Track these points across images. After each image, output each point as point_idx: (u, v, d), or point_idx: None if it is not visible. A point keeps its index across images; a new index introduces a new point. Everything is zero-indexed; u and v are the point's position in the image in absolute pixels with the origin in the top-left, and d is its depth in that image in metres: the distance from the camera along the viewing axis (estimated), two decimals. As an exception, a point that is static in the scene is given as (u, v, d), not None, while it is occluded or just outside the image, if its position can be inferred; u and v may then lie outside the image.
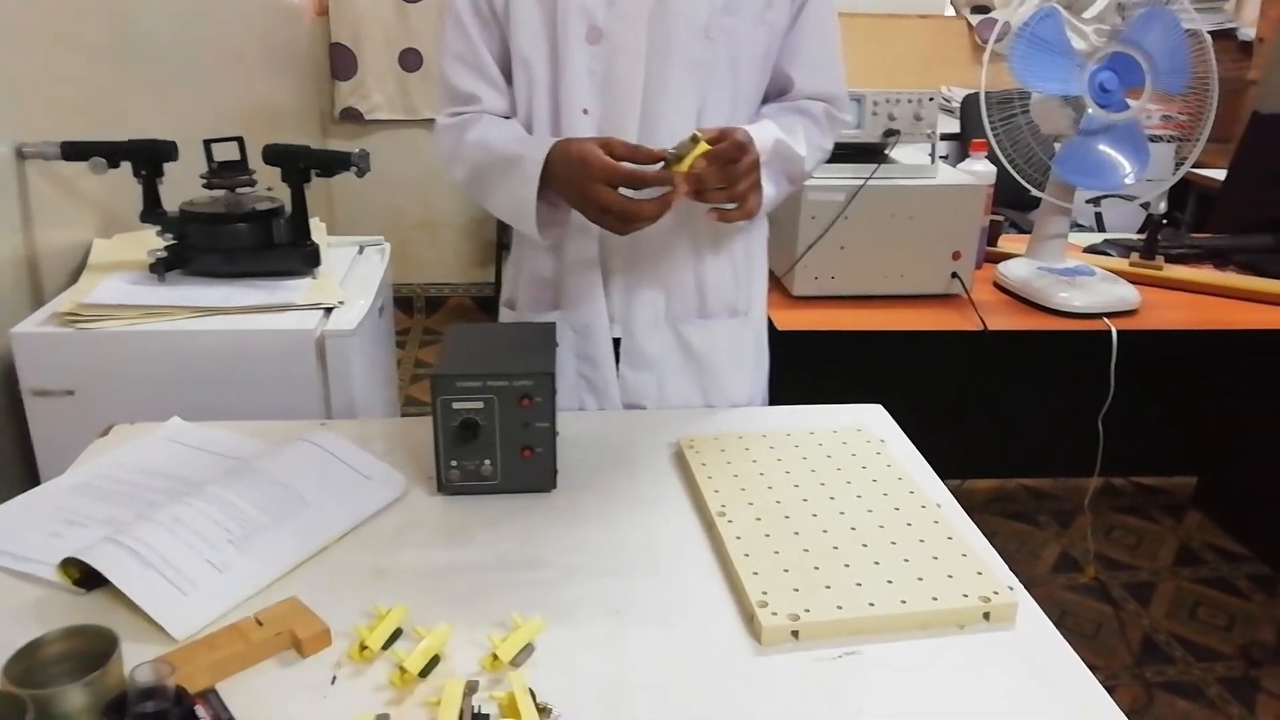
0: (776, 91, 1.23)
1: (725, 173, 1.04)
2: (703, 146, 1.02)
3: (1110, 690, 0.79)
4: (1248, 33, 3.45)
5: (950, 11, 3.83)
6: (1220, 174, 2.24)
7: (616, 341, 1.24)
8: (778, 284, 1.78)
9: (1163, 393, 1.82)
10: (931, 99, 1.68)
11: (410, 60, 3.42)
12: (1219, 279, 1.94)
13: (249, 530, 0.91)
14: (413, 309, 3.82)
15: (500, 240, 3.62)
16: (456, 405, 1.00)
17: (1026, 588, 0.92)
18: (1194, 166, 1.74)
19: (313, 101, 3.30)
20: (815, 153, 1.23)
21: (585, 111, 1.13)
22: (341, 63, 3.36)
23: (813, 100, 1.23)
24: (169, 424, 1.15)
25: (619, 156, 1.03)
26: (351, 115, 3.41)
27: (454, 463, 1.02)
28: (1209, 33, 1.72)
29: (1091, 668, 0.83)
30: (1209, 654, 2.12)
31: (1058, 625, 0.89)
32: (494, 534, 0.97)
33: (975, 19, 3.76)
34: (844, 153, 1.69)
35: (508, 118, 1.19)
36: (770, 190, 1.16)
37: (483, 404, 1.00)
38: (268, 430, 1.15)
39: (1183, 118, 1.79)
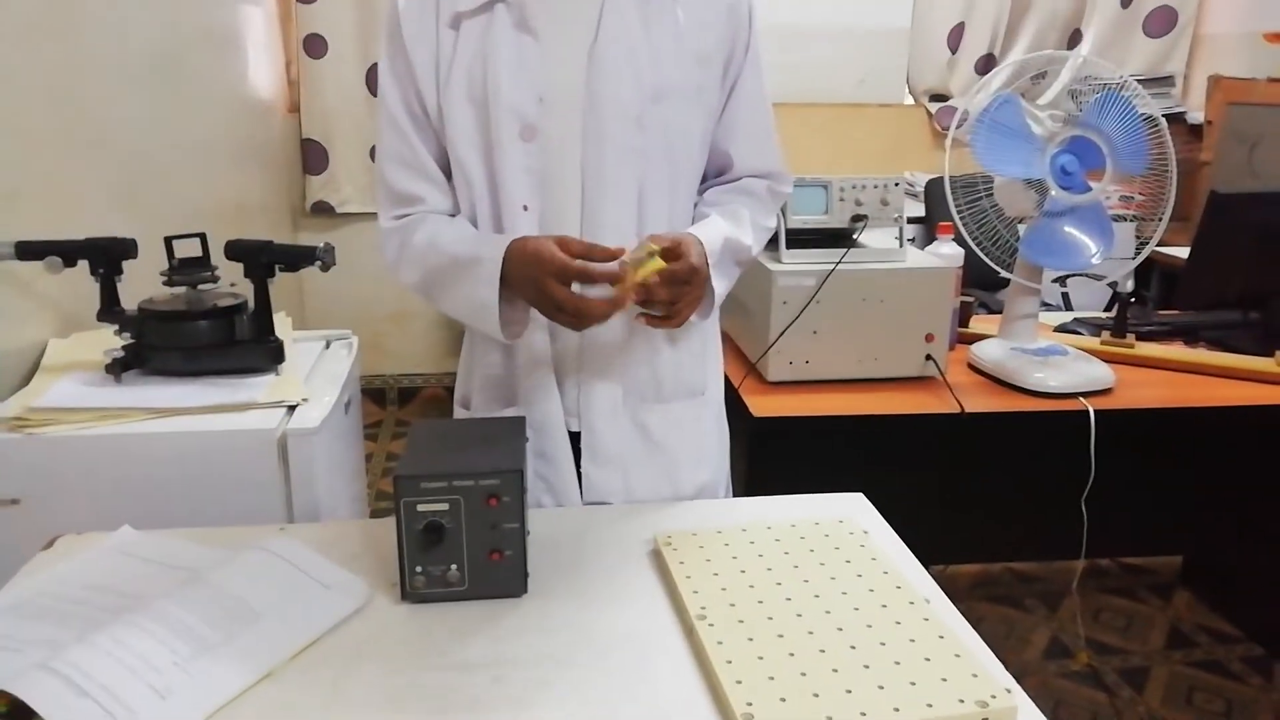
0: (716, 169, 1.25)
1: (673, 292, 1.06)
2: (658, 263, 1.02)
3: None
4: (1196, 116, 3.57)
5: (910, 100, 3.94)
6: (1181, 251, 2.28)
7: (576, 436, 1.21)
8: (752, 369, 1.76)
9: (1143, 472, 1.80)
10: (897, 184, 1.70)
11: (381, 154, 3.45)
12: (1192, 356, 1.95)
13: (197, 649, 0.85)
14: (385, 401, 3.76)
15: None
16: (421, 507, 0.95)
17: (1018, 677, 0.87)
18: (1155, 245, 1.76)
19: (284, 196, 3.30)
20: (760, 233, 1.24)
21: (525, 208, 1.12)
22: (313, 158, 3.38)
23: (754, 178, 1.25)
24: (119, 534, 1.09)
25: (575, 254, 1.02)
26: (323, 209, 3.42)
27: (419, 569, 0.97)
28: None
29: None
30: (1209, 742, 2.05)
31: (1052, 717, 0.84)
32: (462, 645, 0.92)
33: (934, 107, 3.86)
34: (813, 238, 1.70)
35: (453, 215, 1.18)
36: (721, 287, 1.17)
37: (448, 505, 0.96)
38: (224, 537, 1.09)
39: (1142, 198, 1.82)
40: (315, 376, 1.53)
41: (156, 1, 2.16)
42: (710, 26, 1.16)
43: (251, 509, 1.29)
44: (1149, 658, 2.35)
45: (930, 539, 1.72)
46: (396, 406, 3.78)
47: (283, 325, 1.58)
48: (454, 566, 0.97)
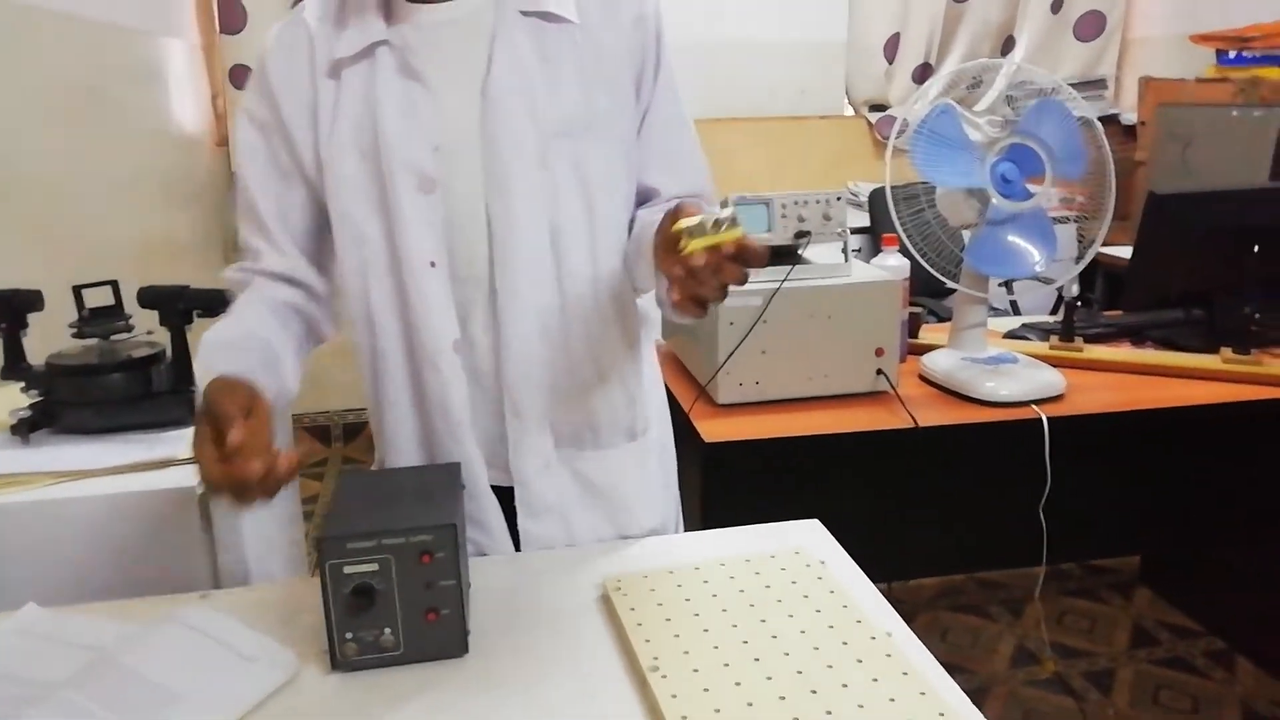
0: (641, 200, 1.16)
1: (742, 271, 0.85)
2: (736, 232, 0.81)
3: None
4: (1130, 117, 3.63)
5: (850, 111, 3.95)
6: (1123, 251, 2.29)
7: (508, 491, 1.13)
8: (702, 393, 1.72)
9: (1098, 475, 1.79)
10: (839, 198, 1.67)
11: (316, 186, 3.36)
12: (1139, 357, 1.95)
13: (103, 743, 0.77)
14: (329, 438, 3.66)
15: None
16: (348, 569, 0.89)
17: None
18: (1099, 247, 1.76)
19: (214, 232, 3.20)
20: None
21: (433, 264, 1.04)
22: (243, 192, 3.29)
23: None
24: (22, 612, 1.00)
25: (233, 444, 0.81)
26: (256, 245, 3.33)
27: (349, 635, 0.90)
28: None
29: None
30: (1178, 743, 2.05)
31: None
32: (398, 714, 0.85)
33: (874, 117, 3.88)
34: (757, 257, 1.66)
35: (292, 278, 1.11)
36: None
37: (378, 565, 0.89)
38: (140, 610, 1.01)
39: (1082, 199, 1.82)
40: (242, 425, 1.45)
41: (72, 34, 2.07)
42: (614, 47, 1.07)
43: (174, 574, 1.21)
44: (1114, 659, 2.35)
45: (890, 555, 1.70)
46: (342, 443, 3.68)
47: (207, 372, 1.50)
48: (387, 630, 0.91)
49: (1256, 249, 1.86)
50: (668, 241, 0.88)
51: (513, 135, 1.03)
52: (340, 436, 3.66)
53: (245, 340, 1.02)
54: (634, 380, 1.18)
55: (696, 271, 0.83)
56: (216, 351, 0.99)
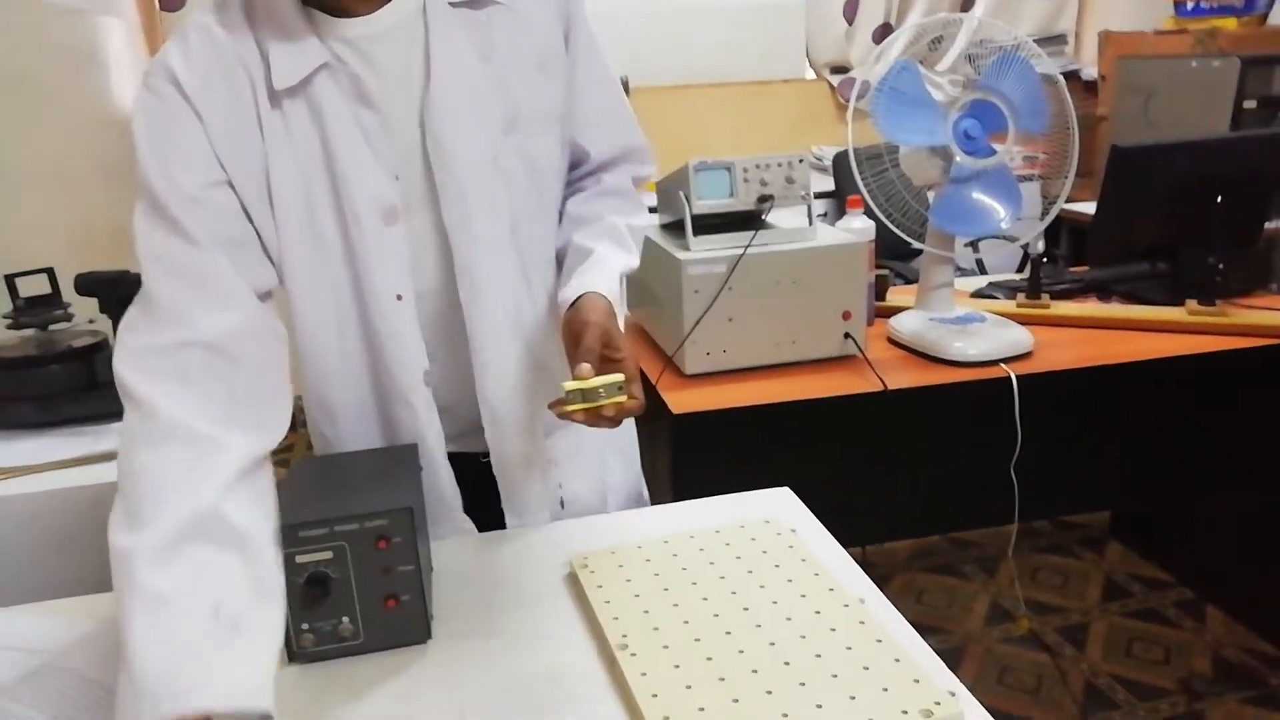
0: (572, 162, 1.11)
1: (606, 426, 0.91)
2: (619, 397, 0.88)
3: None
4: (1090, 72, 3.62)
5: (811, 74, 3.91)
6: (1088, 207, 2.28)
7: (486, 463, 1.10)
8: (669, 364, 1.69)
9: (1067, 432, 1.79)
10: (801, 160, 1.64)
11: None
12: (1105, 311, 1.95)
13: (45, 752, 0.74)
14: (296, 424, 3.58)
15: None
16: (301, 558, 0.85)
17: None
18: (1063, 204, 1.74)
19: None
20: (638, 238, 1.12)
21: (399, 298, 0.99)
22: (193, 175, 3.19)
23: (615, 170, 1.13)
24: (-40, 616, 0.96)
25: None
26: (209, 228, 3.23)
27: (305, 626, 0.87)
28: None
29: None
30: (1151, 692, 2.07)
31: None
32: (359, 706, 0.82)
33: (836, 79, 3.84)
34: (720, 223, 1.63)
35: (242, 336, 0.88)
36: (621, 315, 1.03)
37: (332, 553, 0.86)
38: (88, 608, 0.97)
39: (1045, 157, 1.80)
40: (193, 413, 1.40)
41: (1, 16, 1.98)
42: (541, 19, 1.02)
43: (126, 568, 1.16)
44: (1087, 613, 2.37)
45: (863, 520, 1.69)
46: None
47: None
48: (345, 619, 0.88)
49: (1220, 199, 1.85)
50: (570, 335, 0.95)
51: (462, 144, 0.97)
52: (304, 423, 3.60)
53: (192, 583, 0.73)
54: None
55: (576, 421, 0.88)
56: (158, 679, 0.68)
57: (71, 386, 1.29)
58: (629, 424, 1.25)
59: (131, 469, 0.78)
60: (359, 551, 0.86)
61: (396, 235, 0.97)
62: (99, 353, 1.32)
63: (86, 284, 1.28)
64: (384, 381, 1.03)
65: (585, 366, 0.88)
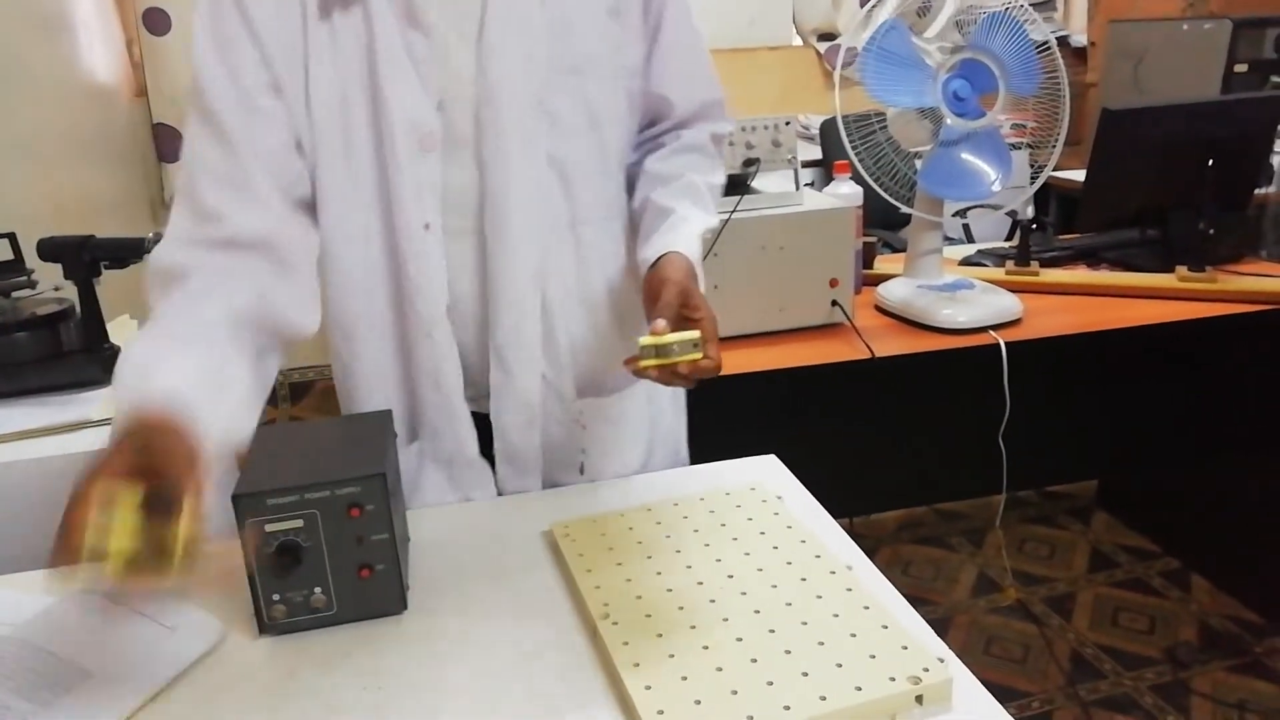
0: (653, 117, 1.11)
1: (680, 384, 0.88)
2: (695, 355, 0.85)
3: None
4: (1079, 39, 3.59)
5: (798, 41, 3.86)
6: (1077, 175, 2.26)
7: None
8: (653, 332, 1.66)
9: (1056, 399, 1.78)
10: (788, 123, 1.60)
11: (246, 136, 3.20)
12: (1095, 279, 1.93)
13: (2, 727, 0.71)
14: (276, 399, 3.55)
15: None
16: (270, 527, 0.82)
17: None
18: (1052, 170, 1.72)
19: (139, 188, 3.04)
20: (717, 196, 1.12)
21: (427, 227, 0.96)
22: (167, 143, 3.11)
23: (695, 125, 1.12)
24: (-81, 591, 0.93)
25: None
26: (185, 199, 3.17)
27: (276, 596, 0.84)
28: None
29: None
30: (1137, 661, 2.07)
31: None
32: (333, 678, 0.79)
33: (823, 47, 3.79)
34: (705, 187, 1.59)
35: (268, 244, 0.93)
36: (701, 281, 1.00)
37: (303, 522, 0.83)
38: (50, 581, 0.94)
39: (1034, 124, 1.77)
40: (164, 383, 1.36)
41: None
42: None
43: (94, 542, 1.13)
44: (1073, 583, 2.37)
45: (850, 490, 1.67)
46: (289, 404, 3.57)
47: (125, 330, 1.41)
48: (318, 589, 0.85)
49: (1210, 162, 1.83)
50: (650, 293, 0.94)
51: (510, 82, 0.95)
52: (288, 397, 3.56)
53: (180, 349, 0.82)
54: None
55: (649, 377, 0.86)
56: (136, 369, 0.79)
57: (37, 355, 1.26)
58: (680, 414, 1.23)
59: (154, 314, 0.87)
60: (331, 520, 0.83)
61: (431, 164, 0.95)
62: (65, 321, 1.28)
63: (49, 249, 1.24)
64: (406, 312, 1.01)
65: (661, 322, 0.86)
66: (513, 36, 0.95)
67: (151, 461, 0.70)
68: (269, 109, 0.92)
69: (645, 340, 0.85)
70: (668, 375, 0.85)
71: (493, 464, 1.09)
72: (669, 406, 1.21)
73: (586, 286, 1.06)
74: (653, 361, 0.85)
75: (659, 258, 0.96)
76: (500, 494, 1.10)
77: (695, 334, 0.85)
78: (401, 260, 0.98)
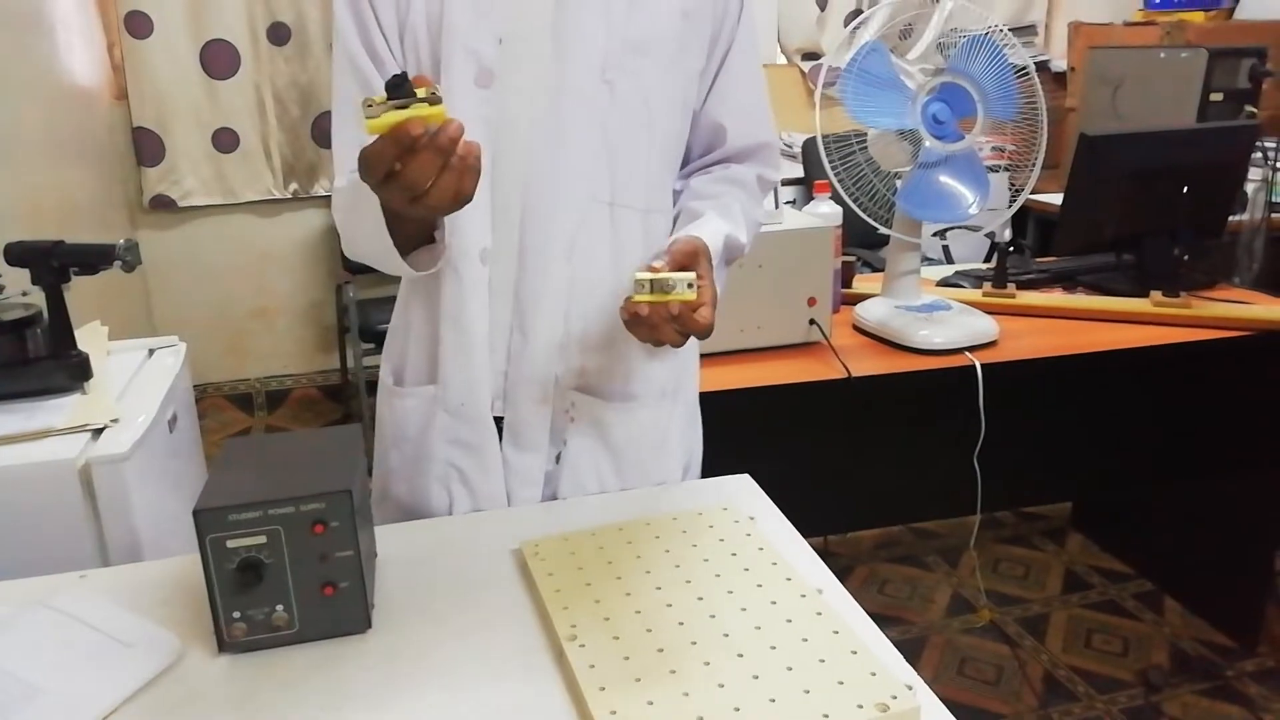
0: (705, 145, 1.12)
1: (681, 334, 0.89)
2: (689, 294, 0.86)
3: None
4: (1059, 64, 3.63)
5: (782, 60, 3.88)
6: (1055, 198, 2.27)
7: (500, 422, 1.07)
8: (631, 348, 1.65)
9: (1031, 421, 1.78)
10: (768, 142, 1.60)
11: (225, 140, 3.18)
12: (1070, 302, 1.94)
13: (-54, 747, 0.69)
14: (252, 407, 3.52)
15: (342, 324, 3.38)
16: (231, 543, 0.81)
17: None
18: (1030, 193, 1.73)
19: (117, 192, 3.02)
20: (753, 229, 1.12)
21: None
22: (146, 148, 3.09)
23: (745, 163, 1.13)
24: None
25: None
26: (163, 203, 3.14)
27: (237, 614, 0.83)
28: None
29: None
30: (1110, 684, 2.07)
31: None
32: (291, 698, 0.78)
33: (806, 66, 3.82)
34: (685, 204, 1.59)
35: None
36: (719, 290, 1.00)
37: (266, 538, 0.81)
38: (8, 594, 0.92)
39: (1013, 147, 1.79)
40: (133, 392, 1.35)
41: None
42: None
43: (56, 553, 1.11)
44: (1048, 604, 2.37)
45: (825, 509, 1.67)
46: (265, 412, 3.53)
47: (93, 336, 1.39)
48: (280, 607, 0.83)
49: (1185, 189, 1.85)
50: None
51: (582, 42, 0.97)
52: (264, 405, 3.52)
53: None
54: None
55: (640, 318, 0.86)
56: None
57: (2, 361, 1.23)
58: (694, 409, 1.22)
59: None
60: (294, 536, 0.82)
61: (486, 99, 0.97)
62: (32, 327, 1.26)
63: (17, 254, 1.22)
64: (449, 244, 1.00)
65: (660, 261, 0.88)
66: (589, 2, 0.97)
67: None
68: (391, 57, 0.99)
69: (641, 275, 0.85)
70: (659, 318, 0.86)
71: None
72: (682, 429, 1.18)
73: (617, 275, 1.05)
74: (647, 297, 0.85)
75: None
76: (504, 463, 1.09)
77: (691, 274, 0.86)
78: None
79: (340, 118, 1.02)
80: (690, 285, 0.85)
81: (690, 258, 0.92)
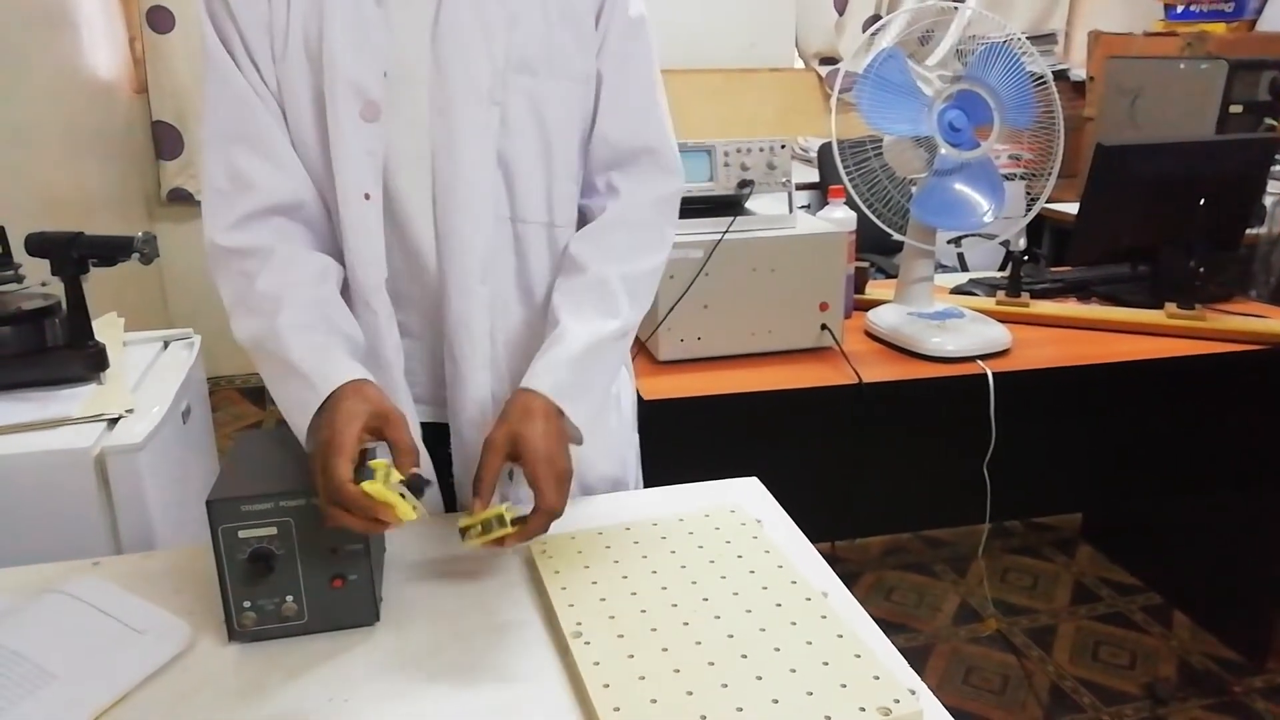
0: (592, 151, 1.06)
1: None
2: (506, 530, 0.87)
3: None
4: (1078, 73, 3.61)
5: (800, 64, 3.88)
6: (1071, 207, 2.27)
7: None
8: (642, 349, 1.66)
9: (1042, 431, 1.78)
10: (784, 146, 1.61)
11: (245, 136, 3.20)
12: (1084, 312, 1.93)
13: (-39, 728, 0.70)
14: (265, 400, 3.54)
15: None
16: (243, 533, 0.82)
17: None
18: (1045, 202, 1.72)
19: (135, 184, 3.05)
20: (646, 284, 1.05)
21: (367, 196, 0.96)
22: (166, 141, 3.12)
23: (628, 170, 1.05)
24: (-112, 585, 0.92)
25: (404, 447, 0.85)
26: (180, 196, 3.16)
27: (247, 603, 0.84)
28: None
29: None
30: (1116, 697, 2.06)
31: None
32: (298, 688, 0.79)
33: (824, 70, 3.81)
34: (699, 207, 1.60)
35: (298, 202, 0.98)
36: (584, 412, 0.97)
37: (277, 529, 0.82)
38: (24, 579, 0.94)
39: (1030, 156, 1.78)
40: (148, 383, 1.36)
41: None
42: None
43: (71, 541, 1.13)
44: (1055, 615, 2.36)
45: (834, 514, 1.67)
46: (275, 404, 3.56)
47: (110, 327, 1.41)
48: (289, 598, 0.84)
49: (1202, 201, 1.84)
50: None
51: (465, 69, 0.96)
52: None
53: (327, 338, 0.93)
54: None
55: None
56: (313, 350, 0.91)
57: (22, 350, 1.25)
58: (627, 394, 1.22)
59: (254, 290, 0.94)
60: (305, 529, 0.83)
61: (374, 132, 0.95)
62: (51, 316, 1.28)
63: (38, 244, 1.23)
64: (349, 281, 1.01)
65: (476, 502, 0.89)
66: (470, 26, 0.95)
67: (369, 424, 0.84)
68: (263, 97, 0.96)
69: (463, 522, 0.89)
70: (499, 544, 0.88)
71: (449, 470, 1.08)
72: (615, 425, 1.19)
73: (525, 288, 1.05)
74: (475, 542, 0.88)
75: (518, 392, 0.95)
76: (454, 505, 1.08)
77: (503, 508, 0.87)
78: (341, 229, 0.98)
79: (211, 150, 0.96)
80: (504, 521, 0.86)
81: (510, 442, 0.90)
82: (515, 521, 0.87)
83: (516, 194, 1.02)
